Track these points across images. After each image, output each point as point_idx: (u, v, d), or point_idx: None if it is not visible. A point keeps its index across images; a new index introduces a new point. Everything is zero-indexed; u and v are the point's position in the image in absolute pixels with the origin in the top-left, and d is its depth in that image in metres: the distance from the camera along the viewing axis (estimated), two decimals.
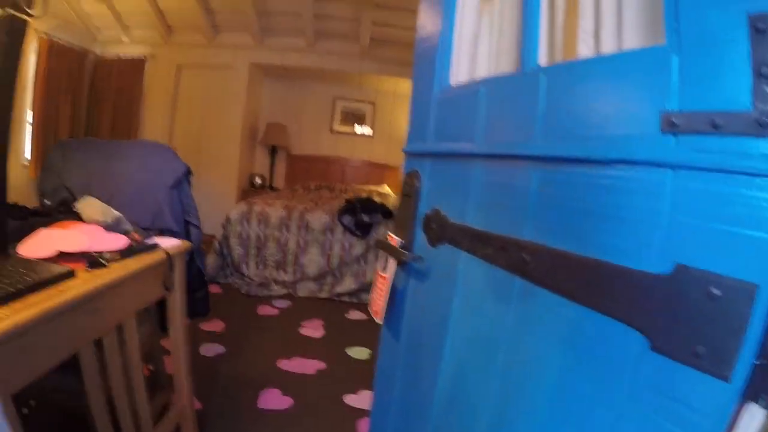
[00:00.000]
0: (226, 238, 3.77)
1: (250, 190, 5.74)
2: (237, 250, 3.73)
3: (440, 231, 0.84)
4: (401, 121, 5.98)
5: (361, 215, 3.70)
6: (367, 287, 3.62)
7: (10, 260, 0.85)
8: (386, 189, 5.61)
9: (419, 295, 0.97)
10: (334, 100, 6.12)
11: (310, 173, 6.01)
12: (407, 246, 0.95)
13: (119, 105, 5.72)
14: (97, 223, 1.13)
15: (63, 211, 1.28)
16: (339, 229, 3.69)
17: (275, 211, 3.76)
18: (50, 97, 5.08)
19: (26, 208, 1.23)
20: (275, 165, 6.04)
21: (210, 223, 3.92)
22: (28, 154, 5.03)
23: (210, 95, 5.68)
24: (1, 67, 0.75)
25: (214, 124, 5.64)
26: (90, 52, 5.71)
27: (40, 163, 5.02)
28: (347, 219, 3.70)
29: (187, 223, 1.82)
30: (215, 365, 2.40)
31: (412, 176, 0.96)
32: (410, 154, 1.02)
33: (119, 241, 1.08)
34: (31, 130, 4.98)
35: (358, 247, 3.65)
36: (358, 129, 6.17)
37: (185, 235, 1.79)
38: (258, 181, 5.89)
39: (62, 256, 0.96)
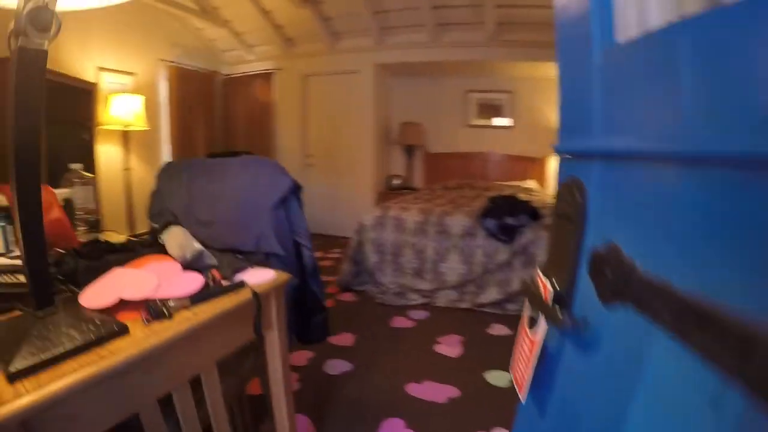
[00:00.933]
0: (360, 244, 3.66)
1: (388, 193, 5.66)
2: (372, 258, 3.60)
3: (619, 282, 0.48)
4: (544, 107, 5.41)
5: (505, 217, 3.32)
6: (512, 297, 3.23)
7: (56, 316, 0.70)
8: (531, 184, 5.10)
9: (580, 366, 0.63)
10: (466, 92, 5.77)
11: (449, 171, 5.73)
12: (564, 296, 0.61)
13: (252, 120, 6.15)
14: (176, 258, 0.98)
15: (148, 244, 1.19)
16: (481, 233, 3.35)
17: (411, 216, 3.55)
18: (184, 119, 5.62)
19: (107, 243, 1.14)
20: (413, 164, 5.89)
21: (350, 229, 3.87)
22: None
23: (339, 100, 5.74)
24: (23, 103, 0.60)
25: (346, 129, 5.68)
26: (218, 73, 6.23)
27: None
28: (490, 222, 3.34)
29: (297, 244, 1.66)
30: (339, 384, 2.26)
31: (570, 187, 0.62)
32: (566, 154, 0.68)
33: (194, 283, 0.92)
34: (170, 151, 5.48)
35: (503, 252, 3.27)
36: (496, 121, 5.71)
37: (295, 257, 1.63)
38: (396, 182, 5.78)
39: (124, 304, 0.80)
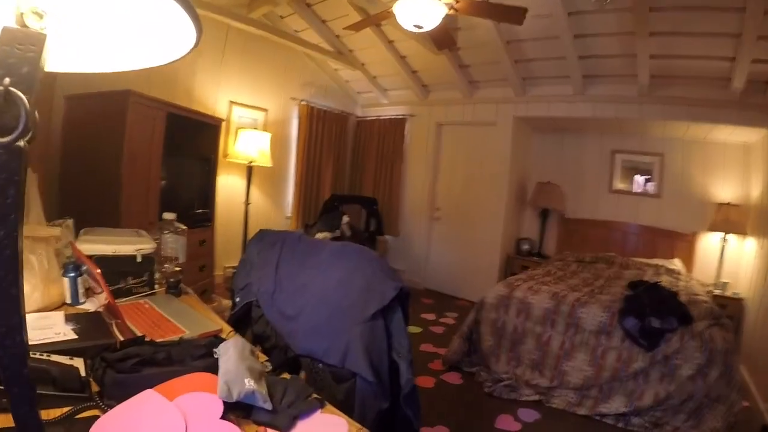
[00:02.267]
0: (477, 323, 3.39)
1: (515, 258, 5.30)
2: (488, 341, 3.30)
3: None
4: (696, 174, 4.69)
5: (650, 318, 2.84)
6: (640, 412, 2.72)
7: None
8: (677, 264, 4.41)
9: None
10: (612, 153, 5.20)
11: (585, 240, 5.20)
12: None
13: (381, 165, 6.13)
14: (220, 394, 0.86)
15: (200, 355, 1.06)
16: (618, 332, 2.90)
17: (540, 301, 3.20)
18: (312, 158, 5.74)
19: (152, 344, 1.07)
20: (546, 229, 5.46)
21: (469, 291, 3.59)
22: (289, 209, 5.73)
23: (473, 153, 5.54)
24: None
25: (477, 184, 5.45)
26: (351, 114, 6.39)
27: (301, 218, 5.64)
28: (631, 322, 2.87)
29: (392, 362, 1.48)
30: None
31: None
32: None
33: None
34: (294, 188, 5.67)
35: (640, 359, 2.79)
36: (642, 186, 5.07)
37: (388, 381, 1.44)
38: (525, 246, 5.40)
39: None
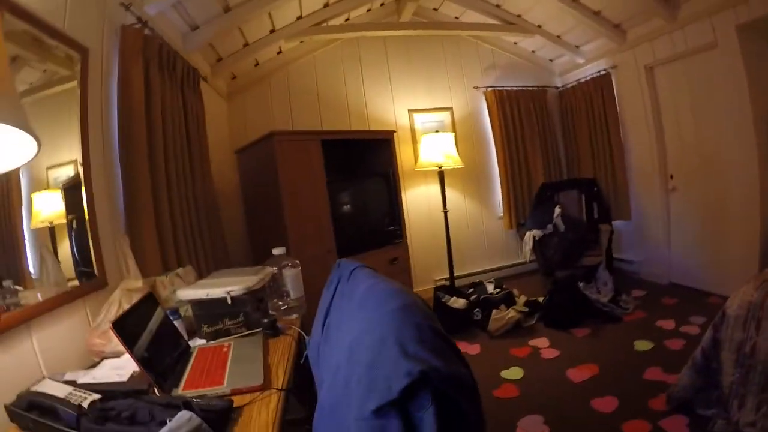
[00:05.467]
0: (716, 344, 2.30)
1: None
2: (729, 373, 2.20)
3: None
4: None
5: None
6: None
7: None
8: None
9: None
10: None
11: None
12: None
13: (595, 134, 5.05)
14: None
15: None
16: None
17: None
18: (514, 145, 5.18)
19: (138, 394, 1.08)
20: None
21: (724, 282, 2.45)
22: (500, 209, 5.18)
23: (698, 93, 4.01)
24: None
25: (713, 132, 3.92)
26: (550, 87, 5.48)
27: (514, 216, 4.97)
28: None
29: None
30: None
31: None
32: None
33: None
34: (501, 184, 5.17)
35: None
36: None
37: None
38: None
39: None
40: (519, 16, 4.68)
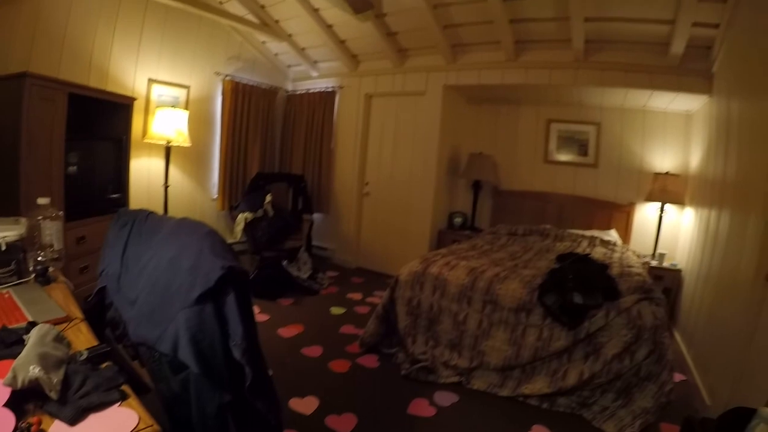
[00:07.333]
0: (392, 302, 3.12)
1: (448, 232, 5.06)
2: (404, 320, 3.04)
3: None
4: (633, 144, 4.57)
5: (572, 294, 2.62)
6: (565, 392, 2.53)
7: None
8: (612, 235, 4.29)
9: None
10: (548, 123, 5.00)
11: (519, 212, 5.01)
12: None
13: (310, 139, 5.81)
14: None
15: (11, 342, 1.05)
16: (538, 310, 2.68)
17: (456, 277, 2.94)
18: (238, 135, 5.42)
19: None
20: (479, 202, 5.22)
21: (399, 267, 3.30)
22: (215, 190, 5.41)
23: (402, 124, 5.26)
24: None
25: (407, 156, 5.20)
26: (281, 89, 6.00)
27: (227, 199, 5.28)
28: (552, 299, 2.66)
29: (228, 352, 1.16)
30: None
31: None
32: None
33: None
34: (219, 168, 5.35)
35: (563, 338, 2.58)
36: (579, 158, 4.88)
37: (226, 371, 1.16)
38: (458, 220, 5.16)
39: None
40: (277, 21, 4.99)
